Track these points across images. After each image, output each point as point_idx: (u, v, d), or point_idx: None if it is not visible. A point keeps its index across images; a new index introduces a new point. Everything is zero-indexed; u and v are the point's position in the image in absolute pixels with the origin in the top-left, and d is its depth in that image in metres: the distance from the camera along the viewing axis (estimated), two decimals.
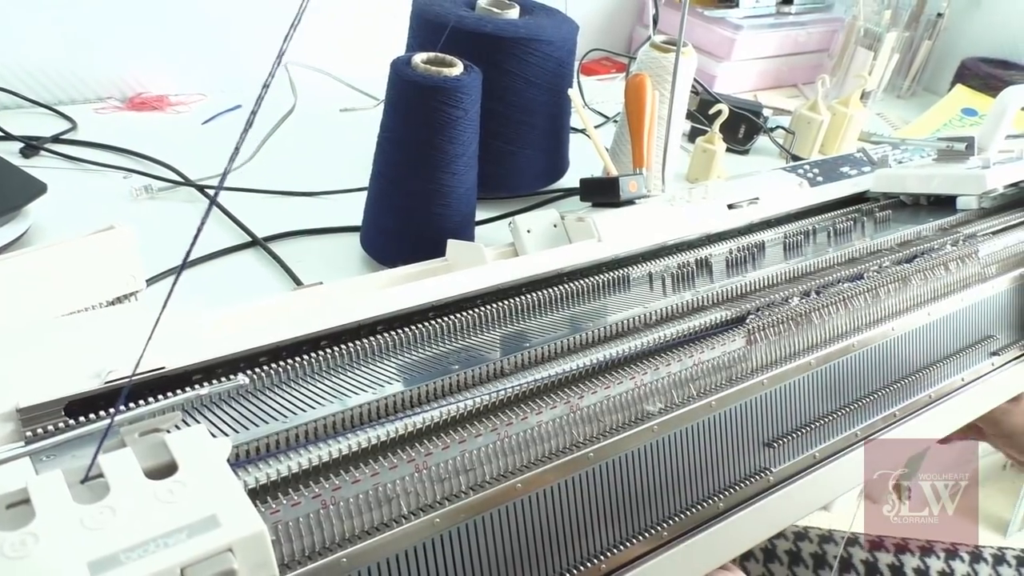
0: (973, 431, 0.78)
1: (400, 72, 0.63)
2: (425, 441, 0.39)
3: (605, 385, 0.45)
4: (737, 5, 1.24)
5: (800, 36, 1.29)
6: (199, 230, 0.30)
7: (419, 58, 0.64)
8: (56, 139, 0.83)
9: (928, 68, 1.41)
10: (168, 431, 0.28)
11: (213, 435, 0.33)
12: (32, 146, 0.81)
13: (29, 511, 0.24)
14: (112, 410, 0.28)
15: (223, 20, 1.00)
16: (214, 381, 0.37)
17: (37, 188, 0.67)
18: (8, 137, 0.82)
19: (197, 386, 0.36)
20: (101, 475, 0.26)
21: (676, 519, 0.48)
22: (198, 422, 0.37)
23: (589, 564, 0.44)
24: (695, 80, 1.08)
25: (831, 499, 0.57)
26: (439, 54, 0.66)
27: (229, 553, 0.23)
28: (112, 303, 0.51)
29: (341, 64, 1.01)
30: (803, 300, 0.55)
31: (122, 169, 0.80)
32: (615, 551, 0.45)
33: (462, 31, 0.75)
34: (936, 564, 0.75)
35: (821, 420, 0.55)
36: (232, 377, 0.37)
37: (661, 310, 0.52)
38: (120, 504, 0.24)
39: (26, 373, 0.38)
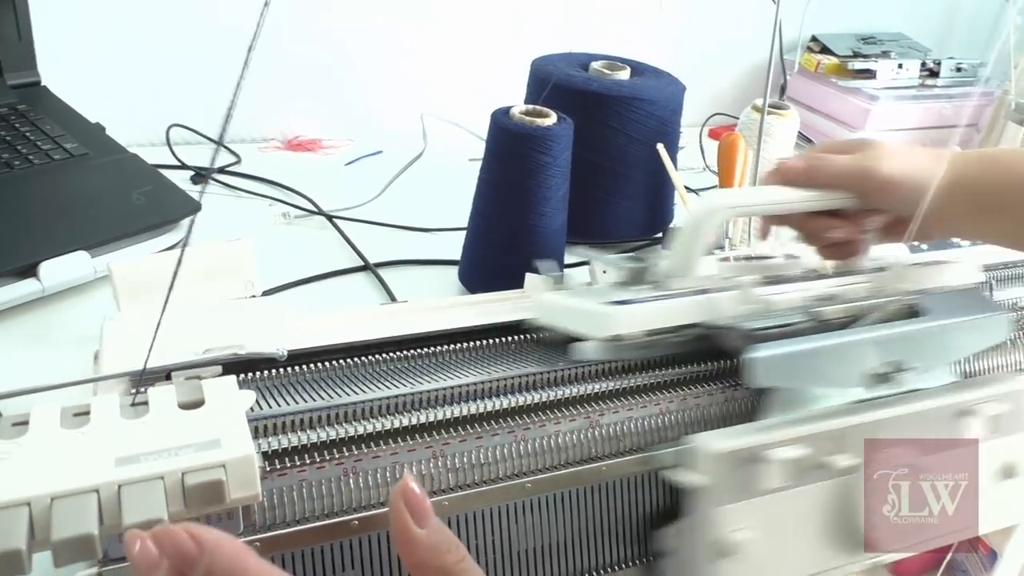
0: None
1: (498, 120, 0.70)
2: (443, 431, 0.43)
3: (628, 407, 0.48)
4: (875, 77, 1.23)
5: (945, 109, 1.26)
6: None
7: (517, 109, 0.71)
8: (221, 170, 0.97)
9: None
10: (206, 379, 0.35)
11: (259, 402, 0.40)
12: (201, 174, 0.95)
13: (87, 420, 0.31)
14: (146, 357, 0.35)
15: (374, 76, 1.13)
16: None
17: (192, 206, 0.79)
18: (183, 166, 0.96)
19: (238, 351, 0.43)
20: (146, 402, 0.32)
21: None
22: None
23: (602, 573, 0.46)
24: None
25: None
26: (538, 107, 0.72)
27: (222, 468, 0.29)
28: None
29: (475, 118, 1.10)
30: None
31: (269, 198, 0.92)
32: (625, 566, 0.47)
33: (570, 89, 0.81)
34: None
35: None
36: (274, 350, 0.43)
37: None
38: (153, 422, 0.31)
39: (146, 345, 0.47)
